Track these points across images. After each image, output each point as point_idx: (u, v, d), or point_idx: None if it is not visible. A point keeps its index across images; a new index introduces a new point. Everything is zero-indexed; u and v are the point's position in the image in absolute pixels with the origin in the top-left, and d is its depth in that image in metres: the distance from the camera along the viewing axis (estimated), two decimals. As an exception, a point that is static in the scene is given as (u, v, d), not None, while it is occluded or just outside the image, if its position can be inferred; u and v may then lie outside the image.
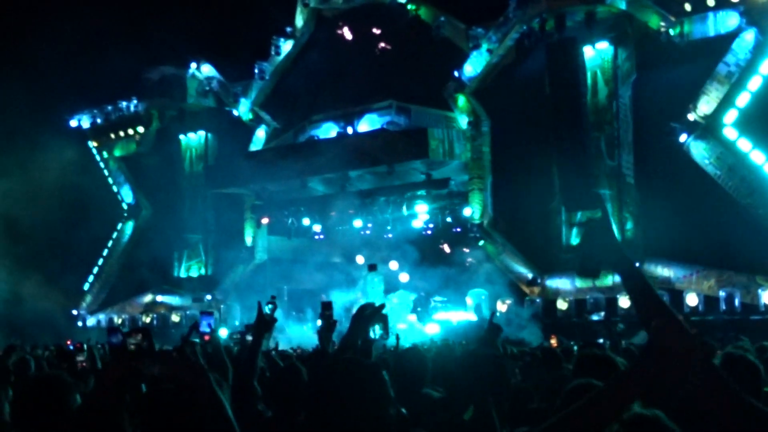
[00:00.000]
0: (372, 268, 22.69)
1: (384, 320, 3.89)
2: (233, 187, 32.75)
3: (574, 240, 25.13)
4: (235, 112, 35.09)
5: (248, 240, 34.16)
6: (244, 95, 35.02)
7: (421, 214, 29.86)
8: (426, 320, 26.97)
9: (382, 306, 3.86)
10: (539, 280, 26.10)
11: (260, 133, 34.36)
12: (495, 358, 4.24)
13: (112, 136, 38.76)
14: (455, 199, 29.42)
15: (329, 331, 6.29)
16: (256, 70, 34.85)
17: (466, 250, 29.39)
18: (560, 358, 8.44)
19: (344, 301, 26.62)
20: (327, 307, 5.92)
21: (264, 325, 5.52)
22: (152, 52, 35.49)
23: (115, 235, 38.48)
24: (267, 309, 5.56)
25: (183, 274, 35.94)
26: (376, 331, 3.85)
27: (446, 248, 31.25)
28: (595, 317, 23.90)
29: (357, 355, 3.65)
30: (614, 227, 2.86)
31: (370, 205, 30.19)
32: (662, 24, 24.44)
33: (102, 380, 3.26)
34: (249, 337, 7.53)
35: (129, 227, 38.44)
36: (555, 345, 14.97)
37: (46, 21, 33.26)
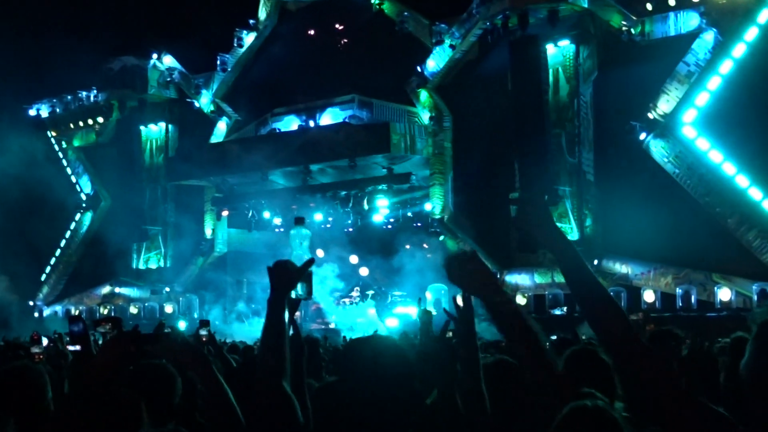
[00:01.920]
0: (299, 221, 21.71)
1: (309, 279, 3.57)
2: (193, 179, 32.31)
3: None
4: (197, 104, 34.56)
5: (208, 232, 33.71)
6: (206, 87, 34.51)
7: (382, 209, 29.64)
8: (385, 314, 26.77)
9: (310, 262, 3.52)
10: (499, 276, 25.97)
11: (221, 126, 33.88)
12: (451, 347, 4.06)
13: (72, 125, 38.06)
14: (416, 193, 29.28)
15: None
16: (219, 62, 34.35)
17: (426, 246, 29.24)
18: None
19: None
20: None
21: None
22: (113, 42, 34.99)
23: (73, 225, 37.80)
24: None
25: (142, 266, 35.40)
26: (298, 291, 3.54)
27: (406, 243, 31.06)
28: (557, 312, 23.80)
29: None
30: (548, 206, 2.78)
31: (331, 199, 29.93)
32: (624, 23, 24.42)
33: (100, 360, 3.15)
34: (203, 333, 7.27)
35: (87, 218, 37.77)
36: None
37: (5, 8, 32.56)
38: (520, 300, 24.92)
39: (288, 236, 31.64)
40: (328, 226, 30.84)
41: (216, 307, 30.18)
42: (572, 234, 24.93)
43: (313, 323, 27.52)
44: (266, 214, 31.61)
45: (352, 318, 27.70)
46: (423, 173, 28.69)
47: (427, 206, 28.10)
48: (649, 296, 22.95)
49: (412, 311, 26.49)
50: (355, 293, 29.08)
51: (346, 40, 32.22)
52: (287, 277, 3.35)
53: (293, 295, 3.45)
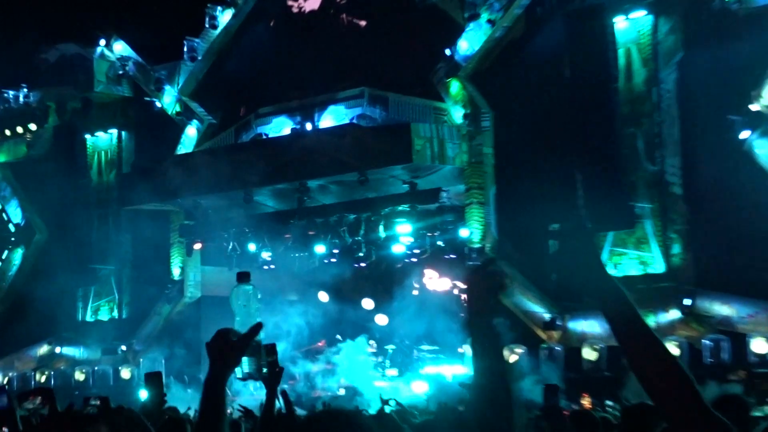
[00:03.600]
0: (242, 277, 21.50)
1: (258, 351, 3.64)
2: (156, 202, 32.37)
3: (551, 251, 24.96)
4: (158, 104, 34.73)
5: (176, 272, 33.78)
6: (170, 81, 34.67)
7: (402, 237, 29.62)
8: (411, 376, 26.81)
9: (257, 328, 3.61)
10: (559, 322, 25.92)
11: (191, 131, 34.03)
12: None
13: (-5, 135, 38.36)
14: (448, 216, 29.18)
15: (276, 382, 6.07)
16: (186, 49, 34.49)
17: (460, 286, 29.24)
18: (598, 424, 8.30)
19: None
20: (271, 351, 5.66)
21: None
22: (49, 26, 35.13)
23: (-1, 266, 38.01)
24: None
25: (90, 318, 35.47)
26: (244, 367, 3.61)
27: (437, 281, 31.10)
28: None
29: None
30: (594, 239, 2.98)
31: (335, 226, 29.97)
32: (716, -13, 24.44)
33: None
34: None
35: (17, 256, 37.95)
36: (588, 407, 14.82)
37: None
38: (590, 354, 24.89)
39: (276, 275, 31.90)
40: (333, 260, 30.88)
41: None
42: (655, 265, 24.89)
43: (315, 390, 27.64)
44: (252, 247, 31.66)
45: (366, 380, 27.74)
46: (456, 189, 28.75)
47: (463, 232, 28.05)
48: (759, 346, 22.81)
49: (447, 371, 26.53)
50: (371, 348, 29.12)
51: (352, 18, 32.34)
52: (228, 350, 3.42)
53: (239, 374, 3.53)
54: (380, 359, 29.25)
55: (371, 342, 29.39)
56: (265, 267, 31.96)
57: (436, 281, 31.52)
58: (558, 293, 3.17)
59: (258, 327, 3.59)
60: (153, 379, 8.78)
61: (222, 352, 3.46)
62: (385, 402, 13.00)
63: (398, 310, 28.96)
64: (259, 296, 3.84)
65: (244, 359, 3.56)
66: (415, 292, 30.54)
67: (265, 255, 31.78)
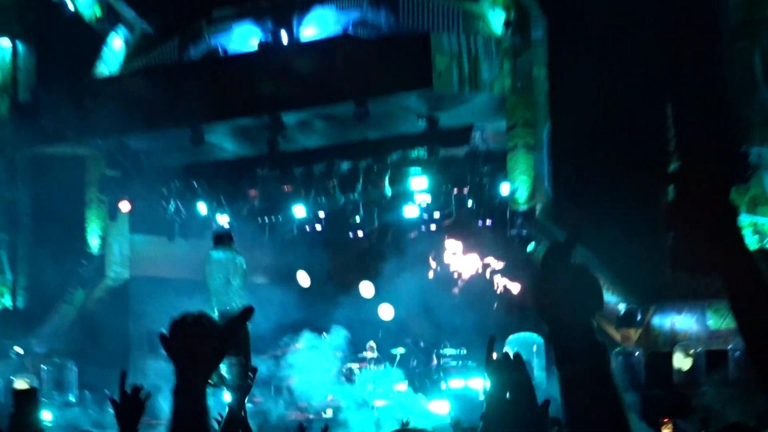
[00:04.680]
0: (220, 239, 20.80)
1: (244, 348, 3.51)
2: (66, 143, 32.39)
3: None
4: (70, 5, 34.70)
5: (94, 243, 33.81)
6: (86, -27, 34.73)
7: (417, 194, 29.68)
8: (429, 392, 26.92)
9: (247, 314, 3.45)
10: (639, 317, 25.97)
11: (117, 43, 34.03)
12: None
13: None
14: (482, 165, 29.26)
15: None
16: (109, -74, 34.55)
17: (495, 265, 29.32)
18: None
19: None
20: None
21: None
22: None
23: None
24: None
25: (-28, 307, 35.64)
26: (222, 372, 3.49)
27: (463, 257, 31.17)
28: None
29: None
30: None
31: (322, 178, 30.04)
32: None
33: None
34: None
35: None
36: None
37: None
38: (682, 361, 24.95)
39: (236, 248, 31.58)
40: (319, 227, 30.92)
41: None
42: (775, 237, 24.97)
43: (291, 409, 27.75)
44: (202, 208, 31.70)
45: (364, 398, 27.88)
46: (495, 126, 28.75)
47: (504, 188, 28.09)
48: None
49: (477, 384, 26.59)
50: (368, 352, 29.15)
51: None
52: (201, 345, 3.30)
53: (213, 379, 3.38)
54: (382, 367, 29.24)
55: (370, 344, 29.34)
56: (221, 237, 31.95)
57: (461, 258, 31.50)
58: (673, 262, 3.08)
59: (248, 312, 3.42)
60: (24, 399, 8.59)
61: (196, 346, 3.24)
62: (405, 425, 13.09)
63: (410, 299, 28.99)
64: (244, 267, 3.71)
65: (226, 359, 3.43)
66: (433, 273, 30.52)
67: (221, 219, 31.84)
